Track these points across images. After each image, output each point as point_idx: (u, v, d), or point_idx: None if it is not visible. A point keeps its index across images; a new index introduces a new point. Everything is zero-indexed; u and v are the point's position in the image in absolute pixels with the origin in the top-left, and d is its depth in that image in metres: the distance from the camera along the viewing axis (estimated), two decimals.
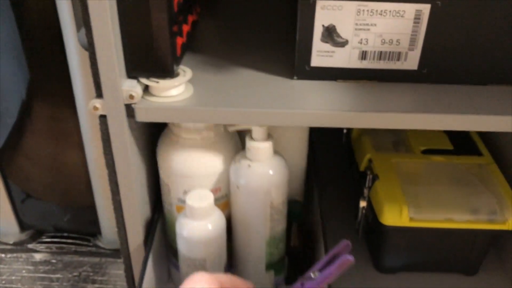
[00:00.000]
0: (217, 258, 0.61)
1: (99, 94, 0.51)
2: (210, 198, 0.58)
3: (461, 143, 0.77)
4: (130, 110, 0.51)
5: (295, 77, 0.56)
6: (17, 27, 0.95)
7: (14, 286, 1.11)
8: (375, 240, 0.74)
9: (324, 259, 0.48)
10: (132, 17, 0.48)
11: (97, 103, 0.51)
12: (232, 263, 0.68)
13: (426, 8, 0.51)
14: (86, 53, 0.49)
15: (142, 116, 0.52)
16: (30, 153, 1.11)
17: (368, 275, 0.73)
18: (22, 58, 0.99)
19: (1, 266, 1.16)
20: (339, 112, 0.51)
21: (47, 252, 1.19)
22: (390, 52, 0.54)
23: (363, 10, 0.51)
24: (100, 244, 1.21)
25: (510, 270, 0.74)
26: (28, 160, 1.12)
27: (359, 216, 0.74)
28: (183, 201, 0.59)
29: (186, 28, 0.58)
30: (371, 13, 0.51)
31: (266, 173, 0.59)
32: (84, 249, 1.20)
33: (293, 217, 0.68)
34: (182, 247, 0.60)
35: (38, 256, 1.18)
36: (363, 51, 0.54)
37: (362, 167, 0.75)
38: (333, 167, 0.90)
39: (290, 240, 0.69)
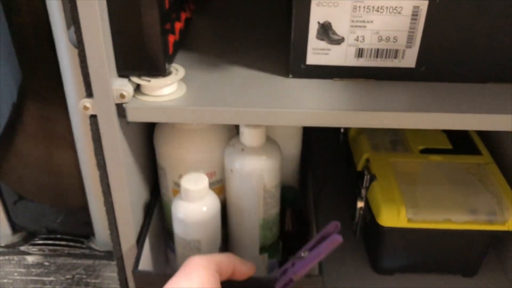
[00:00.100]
0: (212, 240, 0.62)
1: (89, 93, 0.50)
2: (204, 181, 0.58)
3: (460, 142, 0.77)
4: (121, 110, 0.51)
5: (290, 76, 0.56)
6: (7, 27, 0.95)
7: None
8: (372, 241, 0.73)
9: (314, 239, 0.50)
10: (122, 14, 0.47)
11: (88, 102, 0.50)
12: (226, 246, 0.69)
13: (423, 4, 0.50)
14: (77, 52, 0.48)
15: (134, 116, 0.51)
16: (22, 154, 1.11)
17: (365, 276, 0.73)
18: (13, 58, 0.99)
19: None
20: (335, 111, 0.50)
21: (39, 254, 1.18)
22: (387, 49, 0.53)
23: (359, 7, 0.51)
24: (93, 246, 1.20)
25: (510, 271, 0.73)
26: (20, 161, 1.12)
27: (356, 216, 0.74)
28: (179, 185, 0.60)
29: (178, 25, 0.57)
30: (368, 10, 0.51)
31: (259, 156, 0.60)
32: (77, 251, 1.19)
33: (288, 202, 0.69)
34: (177, 229, 0.61)
35: (30, 259, 1.17)
36: (359, 49, 0.53)
37: (359, 167, 0.74)
38: (330, 167, 0.90)
39: (284, 225, 0.70)
